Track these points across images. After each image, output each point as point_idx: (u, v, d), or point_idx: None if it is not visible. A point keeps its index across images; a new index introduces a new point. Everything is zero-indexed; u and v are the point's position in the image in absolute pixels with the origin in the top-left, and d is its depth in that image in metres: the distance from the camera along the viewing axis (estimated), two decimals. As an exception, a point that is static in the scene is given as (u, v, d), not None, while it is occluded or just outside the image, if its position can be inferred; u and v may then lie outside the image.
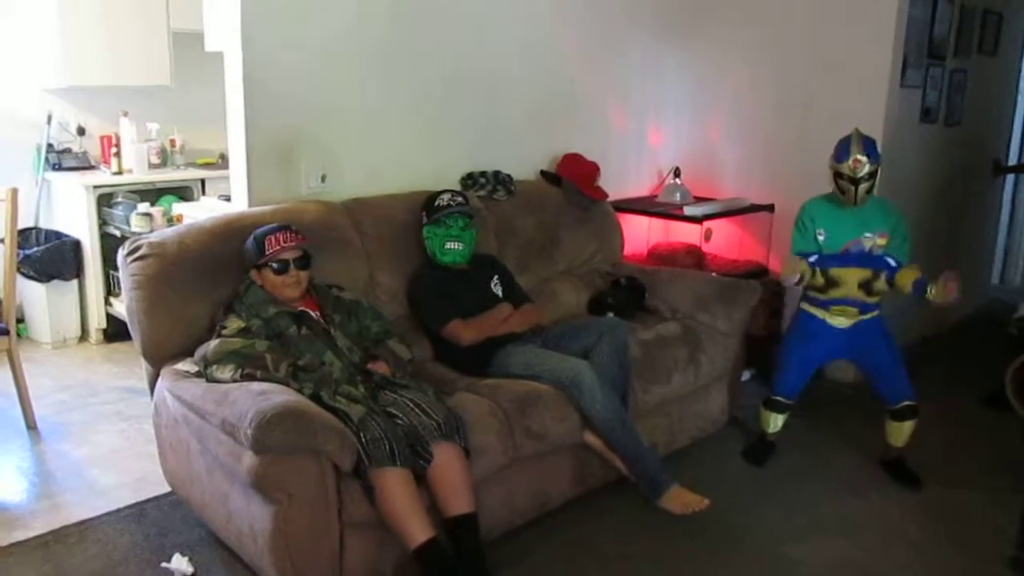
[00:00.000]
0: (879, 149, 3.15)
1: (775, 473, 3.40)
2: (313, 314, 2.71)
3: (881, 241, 3.19)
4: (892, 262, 3.19)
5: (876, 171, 3.12)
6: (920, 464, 3.34)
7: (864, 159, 3.09)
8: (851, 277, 3.18)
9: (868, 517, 3.07)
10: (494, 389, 2.80)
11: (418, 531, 2.32)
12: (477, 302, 3.15)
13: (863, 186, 3.12)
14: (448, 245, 3.16)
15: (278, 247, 2.65)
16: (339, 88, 3.31)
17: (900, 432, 3.33)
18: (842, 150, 3.15)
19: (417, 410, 2.47)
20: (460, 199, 3.22)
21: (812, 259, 3.20)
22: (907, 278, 3.16)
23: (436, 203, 3.19)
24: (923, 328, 4.91)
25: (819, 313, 3.29)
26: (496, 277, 3.30)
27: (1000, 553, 2.82)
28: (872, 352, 3.30)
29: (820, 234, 3.23)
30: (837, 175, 3.16)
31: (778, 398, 3.42)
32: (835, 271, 3.20)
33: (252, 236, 2.70)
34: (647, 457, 2.90)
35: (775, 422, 3.45)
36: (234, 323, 2.58)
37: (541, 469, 2.84)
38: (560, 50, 4.15)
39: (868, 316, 3.26)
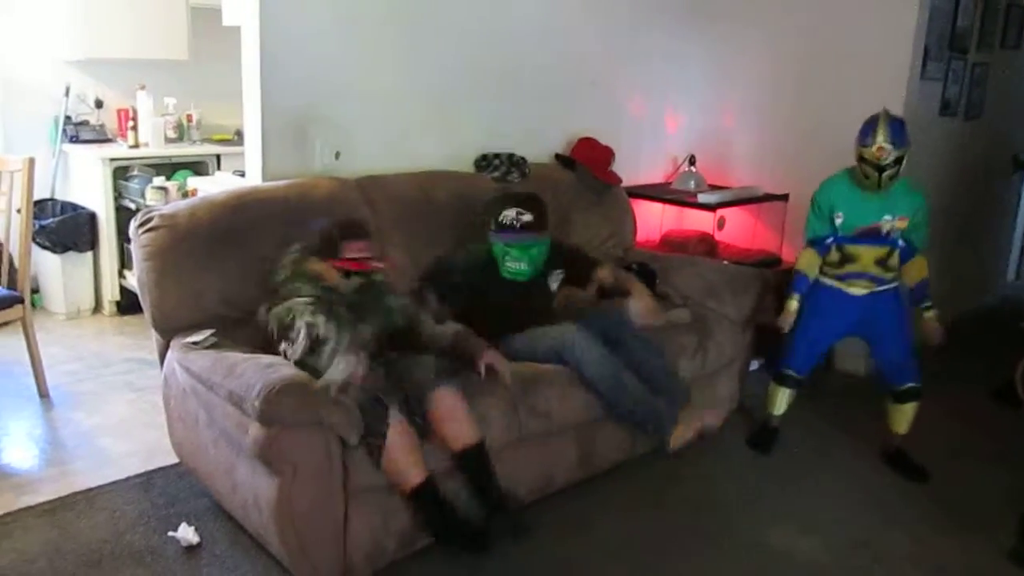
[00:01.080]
0: (907, 132, 3.03)
1: (780, 461, 3.39)
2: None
3: (900, 224, 3.12)
4: (905, 244, 3.15)
5: (903, 157, 3.01)
6: (926, 456, 3.33)
7: (889, 147, 2.97)
8: (867, 254, 3.15)
9: (870, 509, 3.07)
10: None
11: (412, 475, 2.38)
12: (513, 300, 3.07)
13: (887, 173, 3.00)
14: (511, 265, 3.08)
15: (355, 255, 2.59)
16: (355, 66, 3.31)
17: (902, 416, 3.28)
18: (867, 132, 3.02)
19: (416, 368, 2.55)
20: (528, 218, 3.03)
21: (828, 240, 3.18)
22: (913, 274, 3.16)
23: (501, 218, 3.04)
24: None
25: (835, 284, 3.24)
26: (556, 272, 3.22)
27: (1001, 546, 2.81)
28: (884, 325, 3.23)
29: (838, 217, 3.15)
30: (861, 158, 3.04)
31: (789, 372, 3.35)
32: (851, 248, 3.16)
33: (329, 226, 2.64)
34: (646, 406, 2.93)
35: (782, 400, 3.39)
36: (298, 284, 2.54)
37: (546, 450, 2.85)
38: (580, 34, 4.13)
39: (885, 288, 3.21)
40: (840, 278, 3.23)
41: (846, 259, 3.18)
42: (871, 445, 3.47)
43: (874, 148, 2.99)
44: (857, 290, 3.21)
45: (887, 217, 3.11)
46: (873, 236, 3.13)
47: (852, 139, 3.11)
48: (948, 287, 4.99)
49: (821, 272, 3.28)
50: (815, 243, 3.24)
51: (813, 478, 3.27)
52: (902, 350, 3.26)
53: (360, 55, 3.32)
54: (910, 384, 3.25)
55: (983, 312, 5.49)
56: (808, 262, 3.26)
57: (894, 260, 3.16)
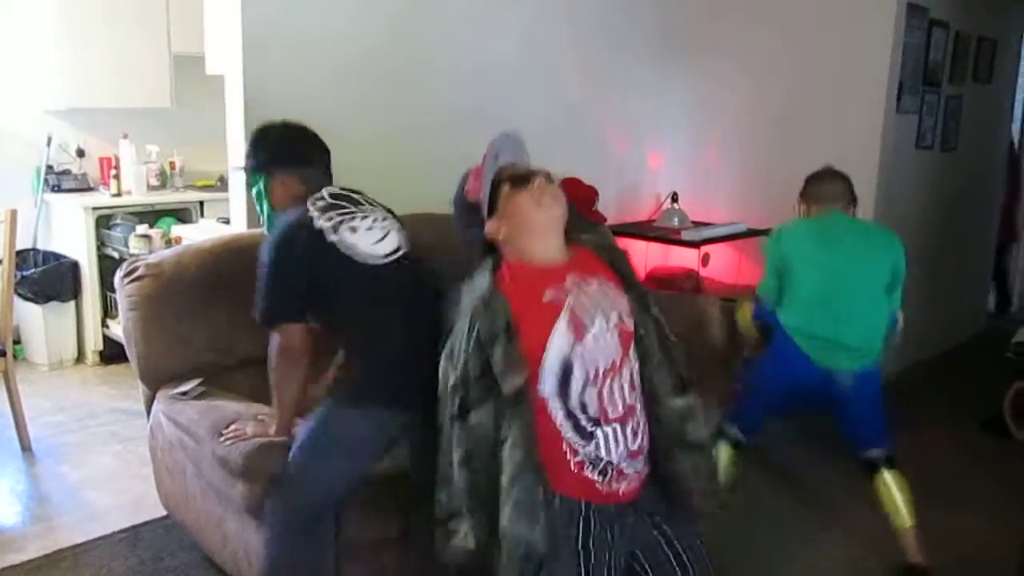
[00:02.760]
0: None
1: (764, 492, 3.37)
2: None
3: None
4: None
5: None
6: (919, 488, 3.32)
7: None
8: None
9: (864, 540, 3.06)
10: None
11: None
12: None
13: None
14: None
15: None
16: (338, 114, 3.32)
17: (890, 495, 2.79)
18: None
19: None
20: None
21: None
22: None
23: None
24: (920, 353, 4.91)
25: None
26: None
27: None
28: (859, 392, 2.80)
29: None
30: None
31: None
32: None
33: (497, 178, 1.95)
34: None
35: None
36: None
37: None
38: (561, 76, 4.19)
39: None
40: None
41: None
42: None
43: None
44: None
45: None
46: None
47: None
48: (932, 320, 5.04)
49: None
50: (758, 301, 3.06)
51: (798, 509, 3.26)
52: (870, 413, 2.85)
53: (343, 101, 3.34)
54: (882, 448, 2.82)
55: (969, 344, 5.52)
56: (744, 318, 3.17)
57: None
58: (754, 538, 3.01)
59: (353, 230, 2.16)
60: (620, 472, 1.78)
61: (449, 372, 1.79)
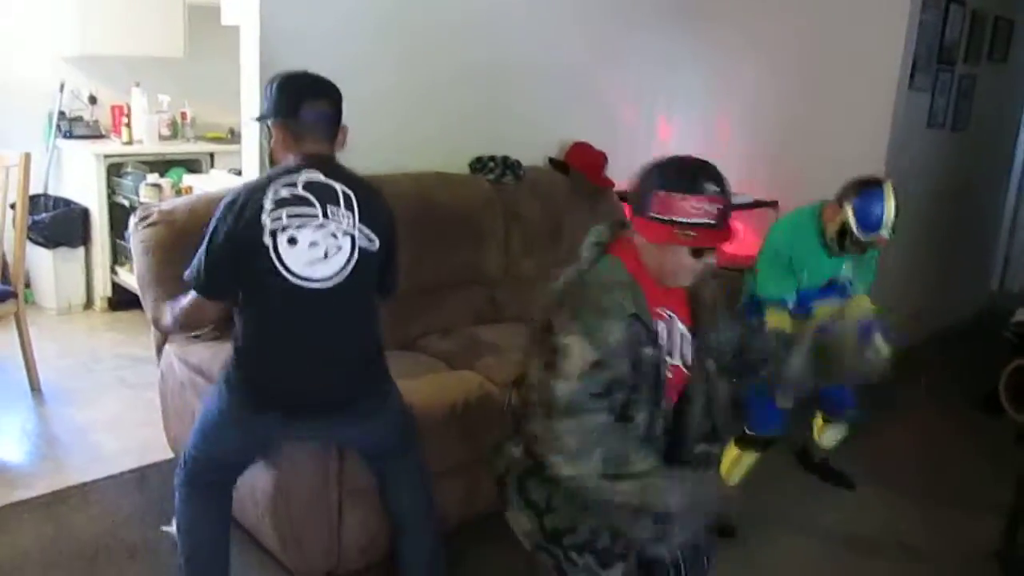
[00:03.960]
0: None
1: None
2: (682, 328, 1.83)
3: (849, 272, 2.91)
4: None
5: None
6: (916, 464, 3.39)
7: (889, 236, 2.71)
8: (824, 309, 2.72)
9: (858, 512, 3.12)
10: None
11: None
12: None
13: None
14: None
15: (698, 213, 1.64)
16: (353, 69, 3.31)
17: (826, 432, 3.14)
18: (870, 216, 2.69)
19: None
20: None
21: (789, 303, 2.79)
22: (855, 312, 2.63)
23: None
24: (923, 330, 4.95)
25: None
26: None
27: (989, 548, 2.87)
28: None
29: (801, 274, 2.81)
30: (845, 232, 2.73)
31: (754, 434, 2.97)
32: (814, 304, 2.84)
33: (655, 169, 1.72)
34: None
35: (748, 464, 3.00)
36: (578, 344, 1.62)
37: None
38: (573, 40, 4.17)
39: None
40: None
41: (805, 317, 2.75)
42: (852, 450, 3.50)
43: (875, 237, 2.71)
44: None
45: (846, 265, 2.88)
46: (831, 288, 2.87)
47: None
48: (936, 298, 5.08)
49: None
50: (777, 303, 2.79)
51: (795, 486, 3.31)
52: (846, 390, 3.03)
53: (358, 57, 3.35)
54: (848, 408, 3.04)
55: (970, 322, 5.56)
56: (781, 321, 2.72)
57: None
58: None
59: (293, 241, 2.01)
60: None
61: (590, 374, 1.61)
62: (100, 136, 4.89)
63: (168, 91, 5.04)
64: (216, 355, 2.46)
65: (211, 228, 2.07)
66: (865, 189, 2.72)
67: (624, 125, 4.58)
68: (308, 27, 3.16)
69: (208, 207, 2.76)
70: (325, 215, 2.05)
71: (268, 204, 2.02)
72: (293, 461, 2.26)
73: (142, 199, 4.33)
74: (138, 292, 2.80)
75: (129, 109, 4.86)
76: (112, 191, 4.68)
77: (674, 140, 4.87)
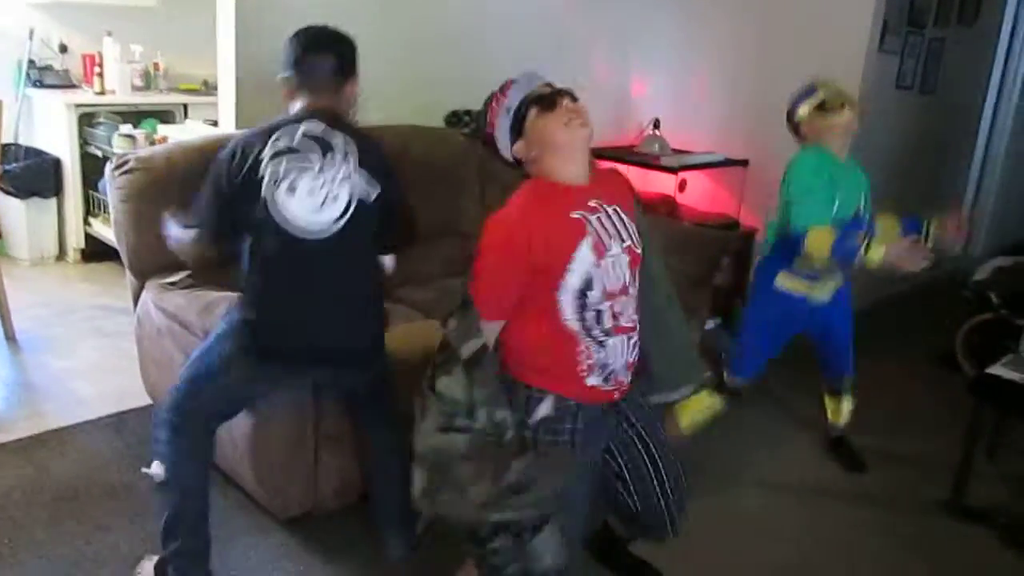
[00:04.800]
0: None
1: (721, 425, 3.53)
2: None
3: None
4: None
5: None
6: (875, 417, 3.50)
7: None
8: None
9: (819, 463, 3.24)
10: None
11: None
12: None
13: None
14: None
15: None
16: (328, 18, 3.33)
17: (840, 409, 3.22)
18: (801, 91, 2.90)
19: None
20: None
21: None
22: (890, 225, 2.73)
23: None
24: (885, 290, 5.08)
25: (802, 289, 2.88)
26: None
27: (939, 498, 3.00)
28: (839, 322, 3.04)
29: (836, 201, 2.73)
30: (813, 111, 2.83)
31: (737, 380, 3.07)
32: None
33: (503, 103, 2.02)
34: None
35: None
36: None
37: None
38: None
39: (843, 283, 2.96)
40: (812, 278, 2.87)
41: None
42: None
43: (818, 95, 2.83)
44: (823, 294, 2.91)
45: (862, 193, 2.85)
46: (856, 223, 2.78)
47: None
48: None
49: (787, 274, 2.89)
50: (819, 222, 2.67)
51: (753, 439, 3.43)
52: (848, 341, 3.10)
53: (335, 10, 3.34)
54: (847, 375, 3.15)
55: (933, 282, 5.69)
56: (822, 239, 2.62)
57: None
58: (723, 442, 3.19)
59: (292, 191, 2.05)
60: (618, 380, 1.94)
61: None
62: (71, 86, 4.84)
63: (140, 41, 4.98)
64: (191, 303, 2.51)
65: (211, 178, 2.11)
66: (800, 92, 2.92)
67: (598, 82, 4.61)
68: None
69: (185, 155, 2.80)
70: (323, 166, 2.09)
71: (267, 154, 2.05)
72: (272, 405, 2.31)
73: (115, 149, 4.31)
74: (113, 243, 2.82)
75: (101, 58, 4.81)
76: (84, 141, 4.65)
77: (647, 98, 4.91)
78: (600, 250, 1.86)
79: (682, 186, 4.51)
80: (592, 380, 1.91)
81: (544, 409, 1.89)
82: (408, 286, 3.25)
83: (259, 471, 2.41)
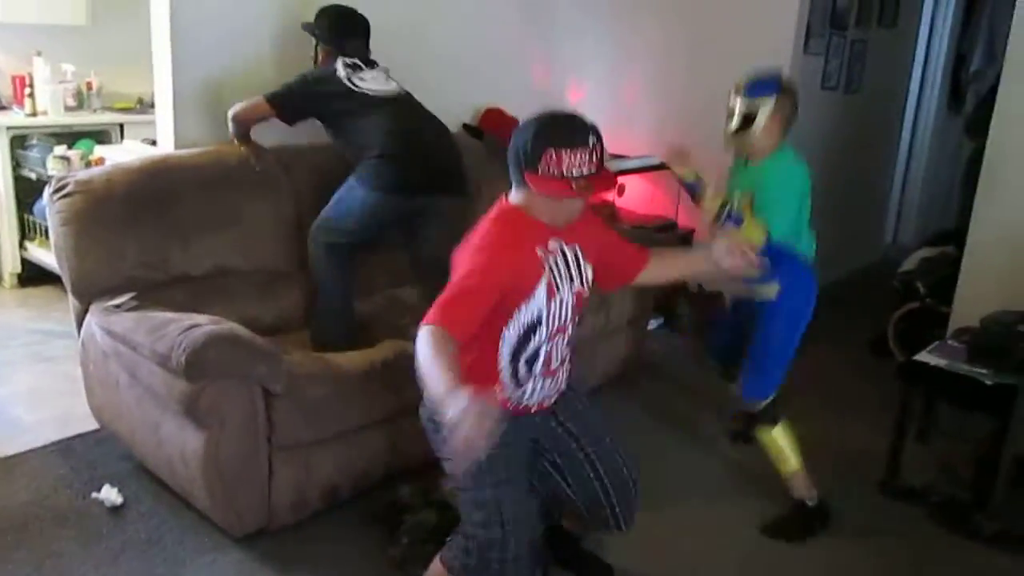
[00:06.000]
0: None
1: (668, 420, 3.63)
2: None
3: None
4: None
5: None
6: (811, 404, 3.62)
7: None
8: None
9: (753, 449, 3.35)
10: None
11: None
12: None
13: None
14: None
15: (585, 165, 1.87)
16: (266, 36, 3.35)
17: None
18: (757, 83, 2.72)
19: None
20: None
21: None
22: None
23: None
24: (820, 280, 5.25)
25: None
26: None
27: (874, 481, 3.13)
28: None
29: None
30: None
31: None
32: None
33: (537, 128, 1.90)
34: None
35: None
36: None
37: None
38: (485, 8, 4.25)
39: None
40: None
41: None
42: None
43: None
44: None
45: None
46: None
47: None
48: (833, 250, 5.35)
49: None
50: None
51: (706, 436, 3.53)
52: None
53: (270, 26, 3.36)
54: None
55: (865, 272, 5.90)
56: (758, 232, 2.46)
57: None
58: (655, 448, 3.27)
59: (362, 79, 3.05)
60: (527, 406, 2.05)
61: None
62: (1, 107, 4.75)
63: (72, 60, 4.90)
64: (139, 323, 2.51)
65: (300, 77, 3.07)
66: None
67: (536, 90, 4.68)
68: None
69: (125, 176, 2.80)
70: (371, 72, 3.14)
71: (340, 67, 3.06)
72: (222, 421, 2.33)
73: (50, 171, 4.25)
74: (50, 266, 2.80)
75: (31, 79, 4.72)
76: (17, 164, 4.56)
77: (584, 105, 5.00)
78: (551, 291, 1.92)
79: (620, 190, 4.60)
80: (505, 396, 1.97)
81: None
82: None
83: (212, 488, 2.41)
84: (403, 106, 3.12)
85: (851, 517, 2.93)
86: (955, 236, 4.10)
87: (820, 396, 3.78)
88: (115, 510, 2.66)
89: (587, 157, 1.84)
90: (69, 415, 3.19)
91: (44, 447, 3.02)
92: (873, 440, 3.32)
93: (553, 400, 2.11)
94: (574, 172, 1.83)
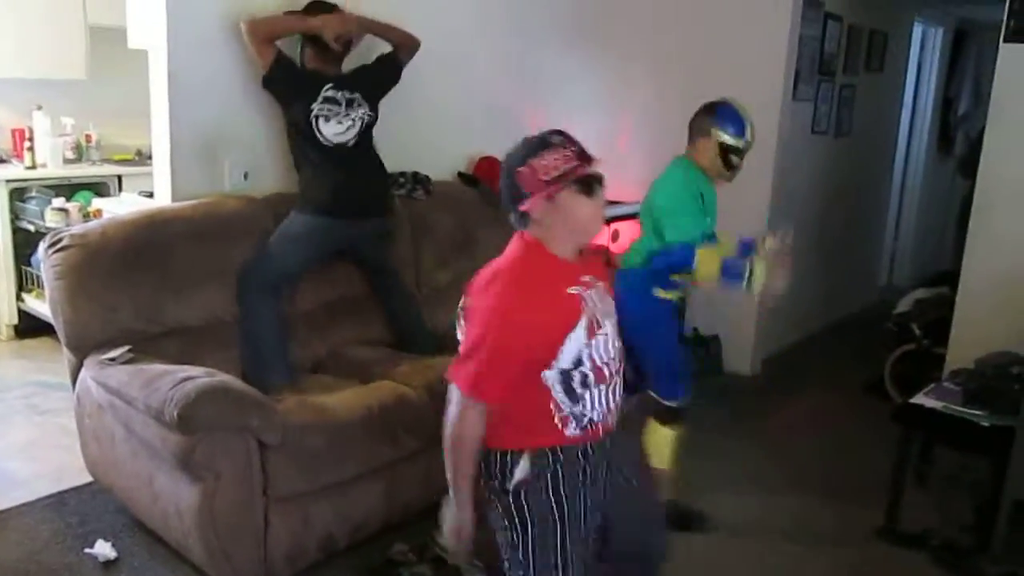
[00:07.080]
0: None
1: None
2: None
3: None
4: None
5: None
6: (809, 446, 3.62)
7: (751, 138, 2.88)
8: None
9: (753, 491, 3.33)
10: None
11: None
12: None
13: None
14: None
15: (563, 160, 1.89)
16: (261, 90, 3.39)
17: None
18: (736, 121, 2.87)
19: None
20: None
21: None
22: (726, 242, 2.71)
23: None
24: (813, 323, 5.28)
25: (667, 294, 2.88)
26: None
27: (874, 523, 3.11)
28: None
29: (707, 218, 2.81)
30: (726, 150, 2.85)
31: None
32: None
33: (506, 162, 1.99)
34: None
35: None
36: None
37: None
38: (478, 58, 4.32)
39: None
40: (674, 286, 2.87)
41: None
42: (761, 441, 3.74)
43: (748, 141, 2.88)
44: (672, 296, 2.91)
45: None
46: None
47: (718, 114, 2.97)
48: (826, 293, 5.40)
49: (662, 289, 2.86)
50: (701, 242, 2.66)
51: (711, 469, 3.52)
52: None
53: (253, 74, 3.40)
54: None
55: (860, 314, 5.92)
56: (712, 259, 2.56)
57: None
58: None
59: (327, 119, 3.15)
60: (595, 427, 1.90)
61: None
62: (1, 160, 4.79)
63: (71, 113, 4.96)
64: (134, 377, 2.51)
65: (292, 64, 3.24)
66: (715, 108, 2.93)
67: (531, 134, 4.73)
68: (217, 49, 3.21)
69: (120, 230, 2.82)
70: (347, 109, 3.22)
71: (316, 105, 3.15)
72: (217, 474, 2.32)
73: (48, 224, 4.28)
74: (47, 318, 2.81)
75: (31, 132, 4.78)
76: (15, 216, 4.59)
77: (578, 151, 5.06)
78: (592, 329, 1.84)
79: (615, 236, 4.63)
80: (569, 431, 1.86)
81: (521, 471, 1.83)
82: (349, 346, 3.28)
83: (207, 541, 2.39)
84: (352, 157, 3.23)
85: (851, 562, 2.91)
86: (950, 277, 4.12)
87: (820, 438, 3.77)
88: (108, 565, 2.64)
89: (563, 152, 1.86)
90: (64, 468, 3.17)
91: (38, 500, 3.00)
92: (873, 484, 3.30)
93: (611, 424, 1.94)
94: (561, 169, 1.83)
